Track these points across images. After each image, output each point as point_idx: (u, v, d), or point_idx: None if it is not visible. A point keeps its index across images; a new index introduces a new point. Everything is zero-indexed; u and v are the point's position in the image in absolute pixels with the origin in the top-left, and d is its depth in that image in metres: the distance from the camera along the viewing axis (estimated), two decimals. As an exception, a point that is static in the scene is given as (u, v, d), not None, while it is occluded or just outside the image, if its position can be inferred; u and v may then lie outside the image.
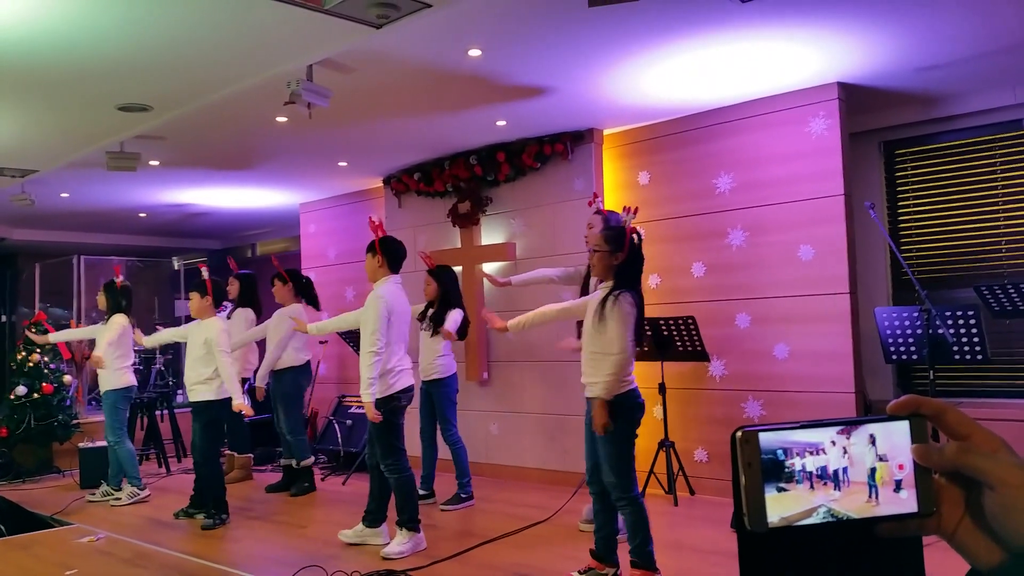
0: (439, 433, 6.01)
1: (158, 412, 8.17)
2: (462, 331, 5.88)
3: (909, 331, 4.67)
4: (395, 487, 4.80)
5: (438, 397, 5.88)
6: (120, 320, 6.52)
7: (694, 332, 5.49)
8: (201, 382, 5.66)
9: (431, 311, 5.91)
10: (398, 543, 4.70)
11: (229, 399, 5.63)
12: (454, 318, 5.79)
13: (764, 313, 5.64)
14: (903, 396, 0.66)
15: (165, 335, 6.38)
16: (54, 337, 6.83)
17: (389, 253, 4.86)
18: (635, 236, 3.93)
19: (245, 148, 6.63)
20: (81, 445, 7.28)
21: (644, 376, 5.83)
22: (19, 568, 4.71)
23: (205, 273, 5.81)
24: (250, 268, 6.85)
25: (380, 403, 4.71)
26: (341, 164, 7.34)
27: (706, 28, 4.31)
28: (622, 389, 3.84)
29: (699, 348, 5.54)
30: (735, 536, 0.64)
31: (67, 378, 8.00)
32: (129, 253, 11.40)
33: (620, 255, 3.85)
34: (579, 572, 4.09)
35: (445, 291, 5.89)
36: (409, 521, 4.75)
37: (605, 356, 3.82)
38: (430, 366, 5.86)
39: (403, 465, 4.78)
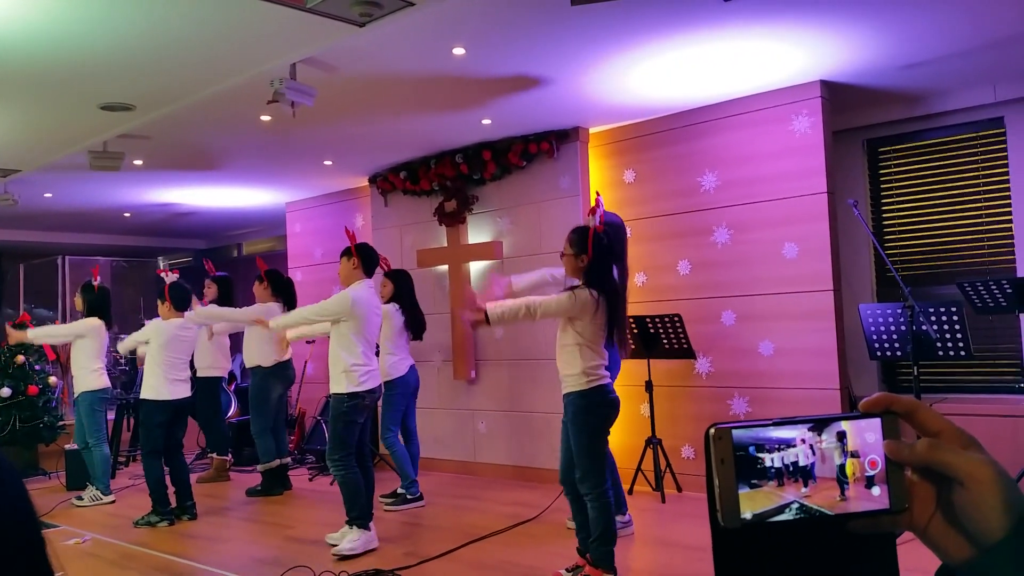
0: (410, 429, 6.12)
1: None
2: (418, 331, 6.13)
3: (893, 328, 4.70)
4: (340, 484, 4.85)
5: (386, 397, 5.90)
6: (92, 322, 6.54)
7: (680, 330, 5.51)
8: (146, 382, 5.83)
9: None
10: (349, 540, 4.73)
11: (157, 400, 5.75)
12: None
13: (749, 310, 5.67)
14: (875, 394, 0.67)
15: (130, 342, 6.28)
16: (33, 334, 6.71)
17: (365, 257, 5.03)
18: (603, 236, 3.93)
19: (229, 147, 6.60)
20: (67, 447, 7.24)
21: (631, 374, 5.85)
22: (4, 571, 4.69)
23: (167, 279, 5.89)
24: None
25: (346, 398, 4.80)
26: (326, 163, 7.33)
27: (689, 27, 4.32)
28: (588, 382, 3.87)
29: (685, 346, 5.56)
30: None
31: (52, 379, 7.94)
32: (114, 253, 11.34)
33: (584, 257, 3.87)
34: (567, 570, 4.10)
35: (399, 293, 6.06)
36: (359, 519, 4.79)
37: (568, 345, 3.90)
38: (384, 366, 5.90)
39: (350, 464, 4.83)
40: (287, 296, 6.76)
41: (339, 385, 4.84)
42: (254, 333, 6.57)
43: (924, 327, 4.55)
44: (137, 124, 5.69)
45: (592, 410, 3.89)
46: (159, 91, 5.04)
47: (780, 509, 0.63)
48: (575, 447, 3.91)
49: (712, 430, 0.64)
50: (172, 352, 5.82)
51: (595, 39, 4.44)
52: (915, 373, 4.63)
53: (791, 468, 0.63)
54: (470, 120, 6.00)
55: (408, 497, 5.91)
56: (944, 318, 4.53)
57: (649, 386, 5.71)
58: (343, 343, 4.84)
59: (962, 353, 4.52)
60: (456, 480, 6.80)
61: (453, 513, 5.71)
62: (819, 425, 0.64)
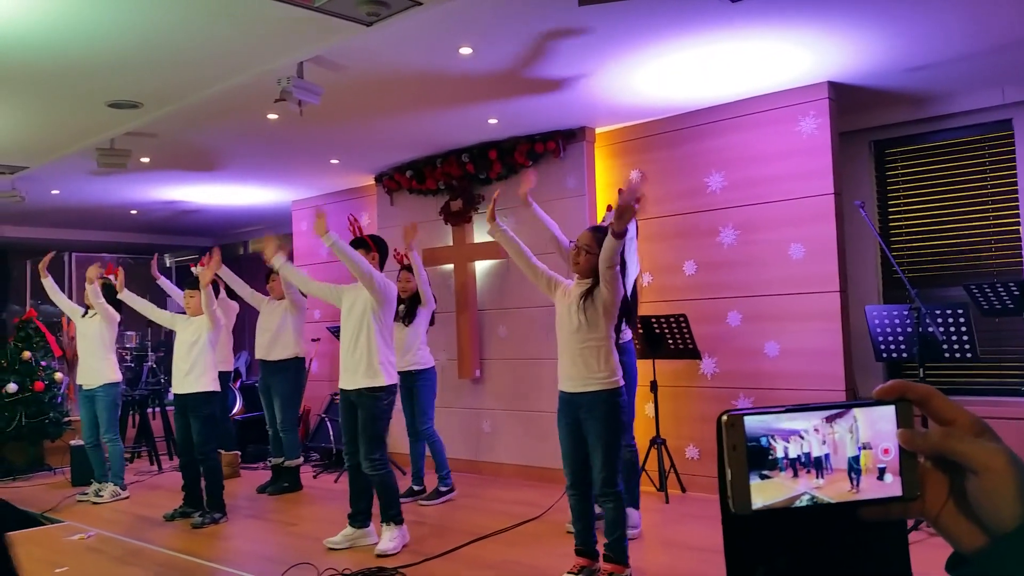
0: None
1: (149, 409, 8.16)
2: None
3: (899, 329, 4.69)
4: (380, 483, 4.76)
5: (420, 388, 5.89)
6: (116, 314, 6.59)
7: (685, 330, 5.50)
8: (198, 375, 5.65)
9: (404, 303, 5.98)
10: (389, 539, 4.70)
11: (215, 392, 5.71)
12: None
13: (755, 311, 5.66)
14: (890, 381, 0.67)
15: (142, 305, 6.10)
16: (48, 284, 6.60)
17: (382, 251, 5.00)
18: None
19: (236, 145, 6.61)
20: (72, 443, 7.26)
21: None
22: (9, 566, 4.70)
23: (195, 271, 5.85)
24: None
25: (383, 394, 4.72)
26: (333, 162, 7.33)
27: (697, 27, 4.31)
28: (617, 380, 3.91)
29: (691, 346, 5.55)
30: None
31: (58, 375, 7.97)
32: (120, 250, 11.35)
33: None
34: (570, 572, 4.07)
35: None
36: (397, 516, 4.77)
37: (599, 343, 3.90)
38: (414, 357, 5.89)
39: (387, 460, 4.82)
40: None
41: (375, 378, 4.66)
42: (293, 321, 6.55)
43: (930, 329, 4.54)
44: (144, 122, 5.70)
45: (623, 408, 3.93)
46: (166, 89, 5.05)
47: (790, 500, 0.63)
48: (606, 447, 3.85)
49: (724, 416, 0.63)
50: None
51: (602, 39, 4.43)
52: (921, 375, 4.62)
53: (804, 459, 0.63)
54: (476, 119, 6.00)
55: (442, 490, 6.00)
56: (950, 320, 4.51)
57: (654, 386, 5.70)
58: (383, 333, 4.73)
59: (968, 355, 4.50)
60: (460, 479, 6.78)
61: (456, 512, 5.71)
62: (832, 415, 0.64)
